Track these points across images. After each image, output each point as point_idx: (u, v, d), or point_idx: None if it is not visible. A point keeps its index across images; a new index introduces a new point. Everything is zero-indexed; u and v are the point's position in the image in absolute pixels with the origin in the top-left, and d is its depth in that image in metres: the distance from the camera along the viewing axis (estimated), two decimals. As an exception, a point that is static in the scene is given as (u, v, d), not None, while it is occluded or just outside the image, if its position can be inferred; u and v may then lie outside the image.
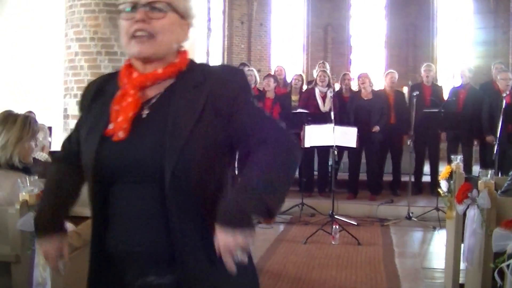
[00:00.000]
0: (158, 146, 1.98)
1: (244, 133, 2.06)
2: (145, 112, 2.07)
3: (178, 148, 1.96)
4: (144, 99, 2.10)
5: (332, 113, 8.70)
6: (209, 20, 15.93)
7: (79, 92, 10.37)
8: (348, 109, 10.35)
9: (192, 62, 2.22)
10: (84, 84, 11.17)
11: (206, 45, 15.66)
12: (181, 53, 2.19)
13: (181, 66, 2.15)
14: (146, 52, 2.08)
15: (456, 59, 18.63)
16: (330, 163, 8.58)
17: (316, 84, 10.71)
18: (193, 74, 2.14)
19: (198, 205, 2.03)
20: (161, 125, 2.01)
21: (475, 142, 10.56)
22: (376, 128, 10.00)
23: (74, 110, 10.28)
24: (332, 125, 8.41)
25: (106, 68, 10.47)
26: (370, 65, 19.99)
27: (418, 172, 10.88)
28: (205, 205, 2.04)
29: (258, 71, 11.90)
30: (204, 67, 2.22)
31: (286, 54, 20.80)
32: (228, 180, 2.24)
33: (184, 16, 2.15)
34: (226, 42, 19.81)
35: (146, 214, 2.02)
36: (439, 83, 12.73)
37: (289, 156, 2.04)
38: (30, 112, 3.99)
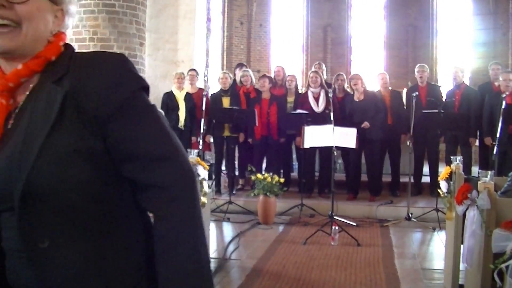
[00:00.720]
0: (9, 163, 1.54)
1: (126, 158, 1.63)
2: (10, 122, 1.61)
3: (28, 165, 1.51)
4: (13, 106, 1.63)
5: (331, 114, 8.69)
6: (208, 20, 15.94)
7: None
8: (341, 110, 10.33)
9: (66, 49, 1.73)
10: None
11: (205, 45, 15.67)
12: (51, 40, 1.70)
13: (49, 56, 1.67)
14: (7, 46, 1.59)
15: (456, 60, 18.62)
16: (332, 164, 8.57)
17: (309, 86, 10.72)
18: (57, 65, 1.65)
19: (74, 234, 1.58)
20: (17, 137, 1.56)
21: (474, 143, 10.56)
22: (366, 124, 9.94)
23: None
24: (331, 125, 8.41)
25: (106, 68, 10.45)
26: (369, 65, 19.99)
27: (418, 173, 10.87)
28: (88, 232, 1.60)
29: (258, 71, 11.93)
30: (74, 54, 1.71)
31: (285, 54, 20.80)
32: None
33: (56, 1, 1.70)
34: (225, 43, 19.81)
35: (14, 248, 1.59)
36: (440, 84, 12.71)
37: (196, 222, 1.66)
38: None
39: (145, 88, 1.75)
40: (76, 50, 1.75)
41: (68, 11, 1.75)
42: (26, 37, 1.60)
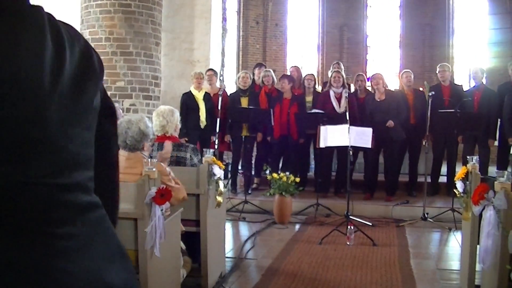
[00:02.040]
0: None
1: None
2: None
3: None
4: None
5: (347, 114, 8.68)
6: (224, 20, 15.99)
7: (95, 92, 10.50)
8: (363, 110, 10.31)
9: None
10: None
11: (221, 45, 15.71)
12: None
13: None
14: None
15: (472, 60, 18.55)
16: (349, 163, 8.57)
17: (330, 85, 10.69)
18: None
19: None
20: None
21: (493, 143, 10.52)
22: (390, 123, 9.91)
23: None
24: (347, 125, 8.40)
25: (121, 68, 10.53)
26: (385, 65, 19.96)
27: (435, 173, 10.83)
28: None
29: (274, 71, 11.89)
30: None
31: (301, 54, 20.79)
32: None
33: None
34: (241, 43, 19.83)
35: None
36: (457, 83, 12.66)
37: None
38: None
39: None
40: None
41: None
42: None
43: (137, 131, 4.60)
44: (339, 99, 10.40)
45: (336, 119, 9.68)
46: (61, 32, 1.36)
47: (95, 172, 1.45)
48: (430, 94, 9.48)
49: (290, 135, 10.66)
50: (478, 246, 4.70)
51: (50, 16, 1.36)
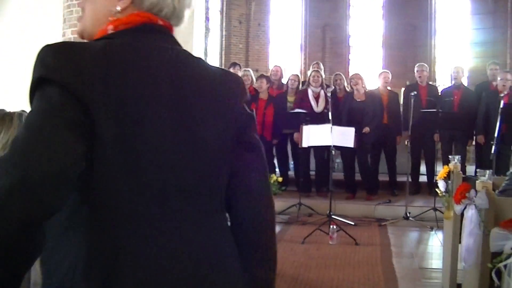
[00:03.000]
0: None
1: None
2: None
3: None
4: None
5: (330, 113, 8.70)
6: (207, 19, 15.96)
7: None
8: (341, 110, 10.33)
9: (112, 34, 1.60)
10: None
11: (204, 44, 15.68)
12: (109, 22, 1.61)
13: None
14: (77, 31, 1.67)
15: (454, 60, 18.62)
16: (331, 163, 8.58)
17: (309, 84, 10.70)
18: None
19: None
20: None
21: (469, 143, 10.60)
22: (366, 129, 9.97)
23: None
24: (329, 125, 8.42)
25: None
26: (368, 65, 20.00)
27: (415, 172, 10.89)
28: None
29: (256, 71, 11.92)
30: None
31: (284, 54, 20.78)
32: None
33: None
34: (224, 42, 19.79)
35: None
36: (437, 83, 12.75)
37: None
38: (23, 111, 4.04)
39: (44, 79, 1.41)
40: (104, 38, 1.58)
41: None
42: (85, 20, 1.64)
43: None
44: (317, 98, 10.42)
45: (315, 118, 9.71)
46: None
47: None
48: (412, 94, 9.53)
49: (264, 136, 10.60)
50: (459, 245, 4.73)
51: None
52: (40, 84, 1.40)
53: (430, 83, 11.62)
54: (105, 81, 1.42)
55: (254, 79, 11.44)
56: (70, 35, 10.27)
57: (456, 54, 19.49)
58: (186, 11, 1.73)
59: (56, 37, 10.87)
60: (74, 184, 1.36)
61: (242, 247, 1.75)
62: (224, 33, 19.79)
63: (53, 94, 1.38)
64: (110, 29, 1.58)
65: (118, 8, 1.59)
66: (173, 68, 1.58)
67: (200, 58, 1.72)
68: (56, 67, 1.40)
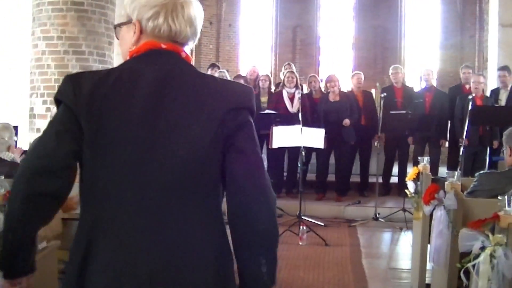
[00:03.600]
0: None
1: None
2: None
3: None
4: None
5: (300, 114, 8.71)
6: (177, 20, 15.84)
7: (46, 92, 10.31)
8: (318, 111, 10.34)
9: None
10: (51, 84, 11.05)
11: (174, 45, 15.57)
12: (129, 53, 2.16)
13: None
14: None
15: (423, 62, 18.76)
16: (299, 164, 8.58)
17: (284, 85, 10.70)
18: None
19: None
20: None
21: (444, 144, 10.68)
22: (346, 121, 9.94)
23: (40, 109, 10.19)
24: (299, 126, 8.43)
25: (73, 67, 10.39)
26: (338, 66, 20.06)
27: (387, 174, 10.95)
28: None
29: (227, 71, 11.86)
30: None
31: (254, 55, 20.78)
32: None
33: (126, 22, 2.13)
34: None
35: None
36: (408, 85, 12.84)
37: None
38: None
39: (58, 100, 2.04)
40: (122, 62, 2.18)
41: (142, 18, 2.08)
42: (121, 50, 2.21)
43: None
44: (292, 99, 10.41)
45: (289, 119, 9.71)
46: None
47: None
48: (382, 95, 9.58)
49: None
50: (428, 245, 4.76)
51: None
52: (56, 103, 2.04)
53: (407, 85, 11.66)
54: (90, 101, 1.94)
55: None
56: (40, 34, 10.17)
57: (425, 57, 19.65)
58: (191, 29, 2.15)
59: (25, 36, 10.77)
60: (61, 173, 1.97)
61: (233, 240, 2.06)
62: (194, 33, 19.73)
63: (60, 111, 2.01)
64: (129, 57, 2.11)
65: (132, 41, 2.10)
66: (158, 85, 1.97)
67: (201, 74, 2.10)
68: (63, 92, 2.00)
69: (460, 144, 9.26)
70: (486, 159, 9.87)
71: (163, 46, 2.07)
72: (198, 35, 2.24)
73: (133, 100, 1.94)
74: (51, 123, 2.00)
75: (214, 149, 1.96)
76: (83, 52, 10.51)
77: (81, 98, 1.94)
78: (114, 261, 1.90)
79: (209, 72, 11.93)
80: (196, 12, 2.15)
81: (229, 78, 11.20)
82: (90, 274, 1.91)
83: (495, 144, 9.71)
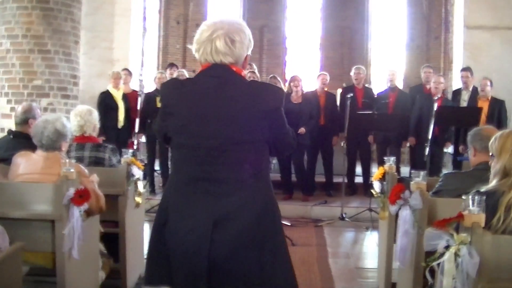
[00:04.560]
0: None
1: None
2: None
3: None
4: None
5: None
6: (144, 19, 15.78)
7: (11, 91, 10.22)
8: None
9: None
10: (16, 83, 10.95)
11: (141, 44, 15.53)
12: None
13: None
14: None
15: (389, 63, 18.87)
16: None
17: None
18: None
19: None
20: None
21: (404, 145, 10.77)
22: (302, 130, 9.96)
23: (4, 109, 10.09)
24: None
25: (39, 66, 10.31)
26: (305, 66, 20.11)
27: (351, 173, 11.01)
28: None
29: (193, 71, 11.87)
30: None
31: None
32: None
33: None
34: (161, 42, 19.65)
35: None
36: (373, 86, 12.92)
37: None
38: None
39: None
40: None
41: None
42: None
43: (53, 130, 4.52)
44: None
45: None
46: None
47: None
48: (349, 96, 9.64)
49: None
50: (394, 244, 4.80)
51: None
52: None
53: (366, 85, 11.75)
54: (174, 97, 3.06)
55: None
56: (4, 32, 10.09)
57: (391, 57, 19.77)
58: (224, 56, 3.01)
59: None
60: (164, 136, 3.14)
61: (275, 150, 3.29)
62: (161, 33, 19.66)
63: (161, 104, 3.15)
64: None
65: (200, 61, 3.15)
66: (213, 89, 2.96)
67: (242, 80, 3.06)
68: (162, 93, 3.15)
69: (411, 144, 9.39)
70: (442, 159, 10.02)
71: (216, 63, 3.05)
72: (243, 53, 3.07)
73: (198, 100, 2.99)
74: (159, 113, 3.15)
75: (256, 132, 2.99)
76: (48, 51, 10.43)
77: (169, 98, 3.09)
78: (185, 216, 2.95)
79: (167, 71, 11.89)
80: (224, 43, 3.03)
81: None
82: (171, 221, 2.99)
83: (447, 145, 9.89)
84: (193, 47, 3.15)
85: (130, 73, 11.40)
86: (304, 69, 19.18)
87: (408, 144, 10.74)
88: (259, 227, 2.94)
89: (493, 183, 3.26)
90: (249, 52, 3.11)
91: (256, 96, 2.97)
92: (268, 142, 3.07)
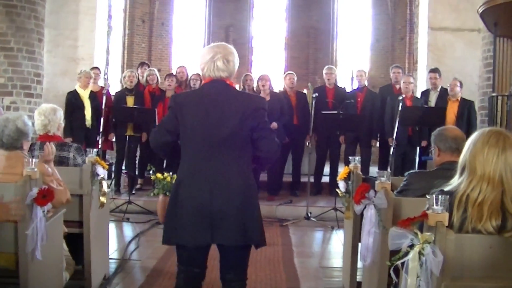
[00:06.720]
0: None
1: None
2: None
3: None
4: None
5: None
6: (109, 18, 15.67)
7: (-25, 89, 10.03)
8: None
9: None
10: (-22, 81, 10.63)
11: (106, 43, 15.43)
12: None
13: None
14: None
15: (355, 63, 18.99)
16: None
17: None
18: None
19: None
20: None
21: (373, 144, 10.82)
22: (274, 125, 9.96)
23: (-29, 107, 9.95)
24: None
25: (1, 64, 10.20)
26: (270, 66, 20.15)
27: (318, 173, 11.04)
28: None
29: (159, 70, 11.83)
30: None
31: (186, 54, 20.70)
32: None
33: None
34: (126, 41, 19.57)
35: None
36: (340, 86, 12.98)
37: None
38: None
39: (170, 107, 4.12)
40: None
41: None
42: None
43: (14, 129, 4.44)
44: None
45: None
46: None
47: None
48: (314, 95, 9.66)
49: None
50: (359, 244, 4.82)
51: None
52: (169, 108, 4.02)
53: (339, 85, 11.77)
54: (181, 106, 3.94)
55: (159, 79, 11.37)
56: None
57: (356, 58, 19.90)
58: (222, 72, 3.96)
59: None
60: (170, 144, 4.06)
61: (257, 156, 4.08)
62: (127, 32, 19.58)
63: (169, 112, 4.01)
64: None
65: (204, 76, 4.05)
66: (213, 96, 3.91)
67: (234, 90, 4.13)
68: (171, 102, 4.01)
69: (391, 144, 9.41)
70: (415, 159, 10.07)
71: (217, 78, 3.97)
72: (234, 69, 4.06)
73: (200, 107, 3.90)
74: (164, 119, 4.11)
75: (243, 128, 3.88)
76: (11, 48, 10.32)
77: (178, 106, 3.94)
78: (192, 185, 3.92)
79: (139, 70, 11.84)
80: (222, 62, 3.95)
81: (158, 77, 11.18)
82: (181, 190, 3.94)
83: (424, 143, 9.93)
84: (199, 66, 4.07)
85: (100, 71, 11.34)
86: (269, 69, 19.22)
87: (377, 144, 10.79)
88: (245, 193, 4.04)
89: (455, 181, 3.28)
90: (236, 68, 4.08)
91: (243, 101, 3.98)
92: (254, 148, 3.99)
